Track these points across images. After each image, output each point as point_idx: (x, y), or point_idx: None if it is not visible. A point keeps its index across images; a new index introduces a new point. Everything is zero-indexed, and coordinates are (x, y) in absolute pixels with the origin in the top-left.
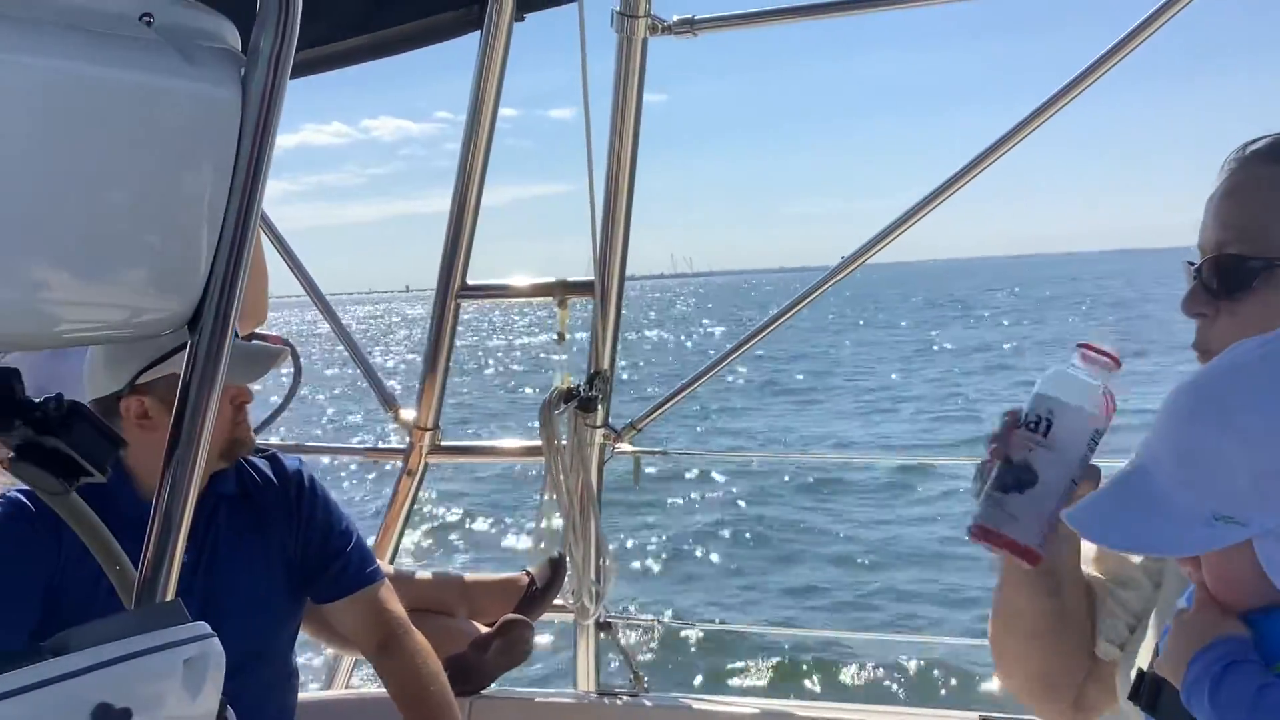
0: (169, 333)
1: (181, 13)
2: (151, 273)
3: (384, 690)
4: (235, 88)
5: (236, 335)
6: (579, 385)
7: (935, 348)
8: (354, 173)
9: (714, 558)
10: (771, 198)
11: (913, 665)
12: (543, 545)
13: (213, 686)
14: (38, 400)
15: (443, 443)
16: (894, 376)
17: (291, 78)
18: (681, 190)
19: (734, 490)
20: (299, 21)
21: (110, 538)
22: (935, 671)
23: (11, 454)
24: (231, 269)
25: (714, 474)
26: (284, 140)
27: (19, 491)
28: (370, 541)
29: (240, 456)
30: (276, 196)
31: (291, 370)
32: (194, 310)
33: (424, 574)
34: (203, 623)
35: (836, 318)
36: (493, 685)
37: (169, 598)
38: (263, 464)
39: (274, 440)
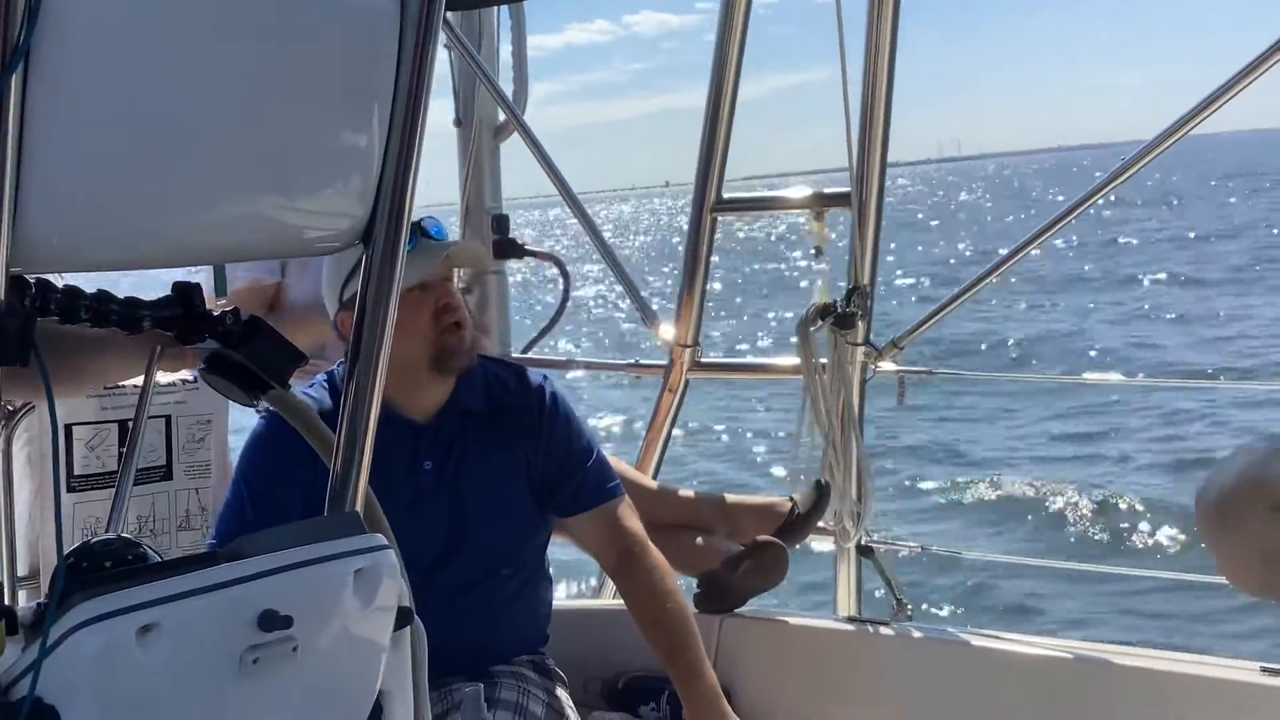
0: (344, 246)
1: None
2: (322, 187)
3: None
4: None
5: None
6: (837, 301)
7: None
8: (618, 69)
9: (988, 485)
10: (1052, 73)
11: (1202, 607)
12: (802, 467)
13: (386, 596)
14: (217, 314)
15: (702, 359)
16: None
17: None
18: (946, 70)
19: (1015, 413)
20: None
21: (327, 431)
22: (1218, 613)
23: (202, 365)
24: (400, 179)
25: (991, 394)
26: (548, 41)
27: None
28: (634, 457)
29: (455, 368)
30: (543, 98)
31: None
32: (367, 223)
33: (686, 491)
34: (377, 534)
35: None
36: (748, 605)
37: (357, 508)
38: (509, 377)
39: (540, 355)
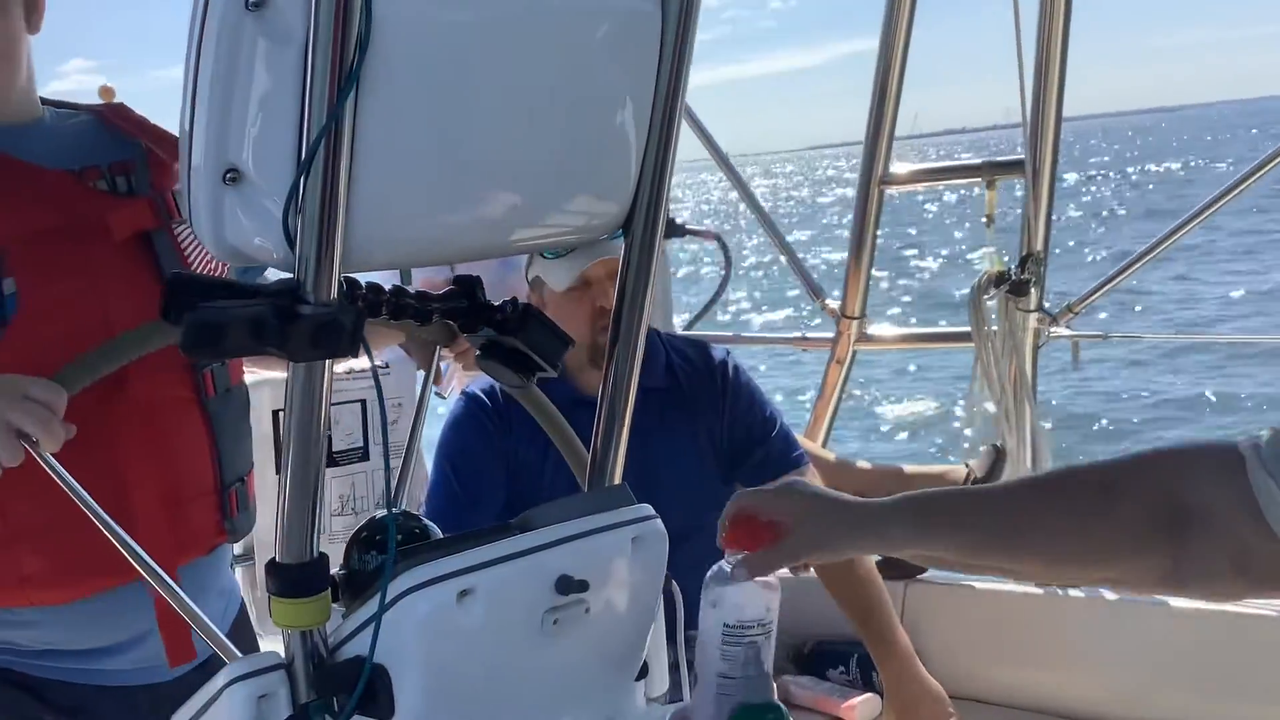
0: (607, 236)
1: None
2: (593, 181)
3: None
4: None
5: None
6: (1010, 268)
7: None
8: None
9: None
10: (1128, 33)
11: None
12: (974, 434)
13: (657, 563)
14: (497, 304)
15: (870, 331)
16: None
17: None
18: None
19: (1191, 375)
20: None
21: (565, 424)
22: None
23: (478, 352)
24: (658, 172)
25: (1166, 358)
26: None
27: (475, 388)
28: (801, 429)
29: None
30: None
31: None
32: (627, 212)
33: (863, 463)
34: (646, 504)
35: None
36: (929, 572)
37: (616, 481)
38: (691, 353)
39: (709, 331)
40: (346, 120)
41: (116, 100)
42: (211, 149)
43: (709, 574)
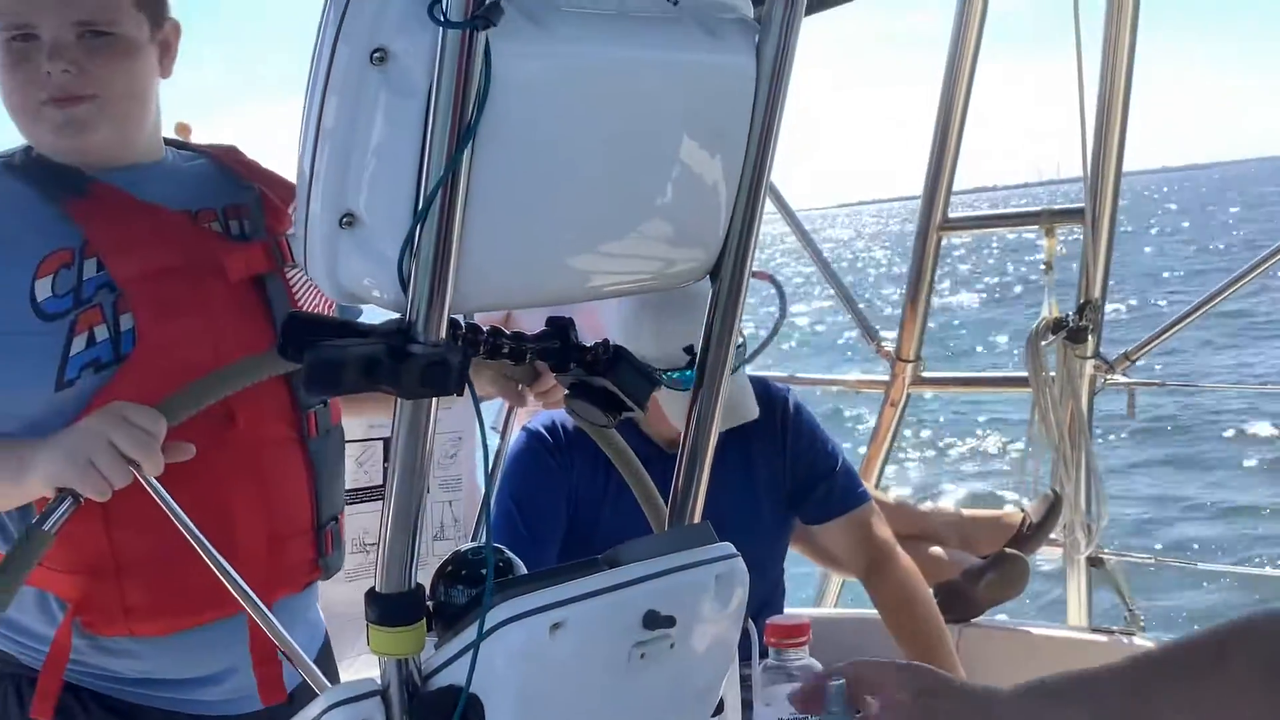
0: (697, 280)
1: None
2: (682, 230)
3: (870, 610)
4: (751, 55)
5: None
6: (1068, 315)
7: None
8: None
9: (1223, 496)
10: (1169, 85)
11: None
12: (1031, 480)
13: (738, 601)
14: (588, 345)
15: (925, 374)
16: None
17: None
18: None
19: (1251, 424)
20: None
21: (641, 468)
22: None
23: (566, 391)
24: (747, 223)
25: (1224, 406)
26: None
27: (536, 425)
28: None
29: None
30: None
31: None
32: (715, 262)
33: (922, 505)
34: (728, 543)
35: None
36: (984, 615)
37: (696, 520)
38: (753, 390)
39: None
40: (462, 171)
41: (193, 136)
42: (330, 194)
43: (759, 671)
